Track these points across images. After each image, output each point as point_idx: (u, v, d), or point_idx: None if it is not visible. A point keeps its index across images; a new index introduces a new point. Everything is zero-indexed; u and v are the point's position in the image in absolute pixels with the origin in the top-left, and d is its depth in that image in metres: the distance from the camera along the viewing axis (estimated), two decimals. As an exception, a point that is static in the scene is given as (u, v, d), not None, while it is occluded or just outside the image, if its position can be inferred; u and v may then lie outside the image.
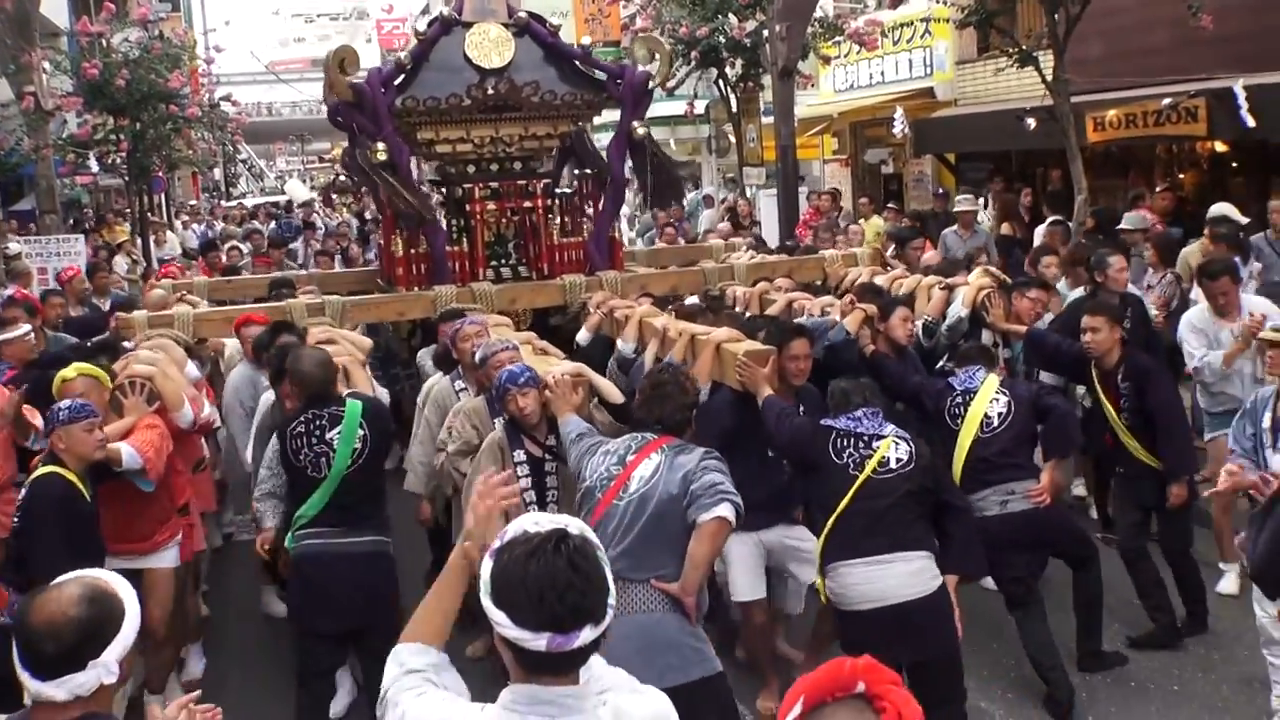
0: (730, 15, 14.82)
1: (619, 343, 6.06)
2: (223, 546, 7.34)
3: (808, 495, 4.36)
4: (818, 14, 13.99)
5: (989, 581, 5.30)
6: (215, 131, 21.42)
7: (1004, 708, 5.09)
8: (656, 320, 6.03)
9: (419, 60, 7.67)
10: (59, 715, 2.26)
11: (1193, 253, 8.20)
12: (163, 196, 26.53)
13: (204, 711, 2.54)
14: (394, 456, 6.26)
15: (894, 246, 9.52)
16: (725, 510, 3.70)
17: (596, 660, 2.14)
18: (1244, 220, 8.61)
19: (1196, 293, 6.78)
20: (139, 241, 17.58)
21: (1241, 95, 9.35)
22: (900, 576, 4.16)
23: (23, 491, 4.48)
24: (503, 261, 7.98)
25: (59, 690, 2.24)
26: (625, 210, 17.76)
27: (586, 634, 1.96)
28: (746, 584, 4.96)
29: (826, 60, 16.58)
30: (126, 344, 6.36)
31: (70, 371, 4.92)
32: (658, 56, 8.09)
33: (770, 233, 12.79)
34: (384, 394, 5.53)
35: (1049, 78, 9.93)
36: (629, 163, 8.31)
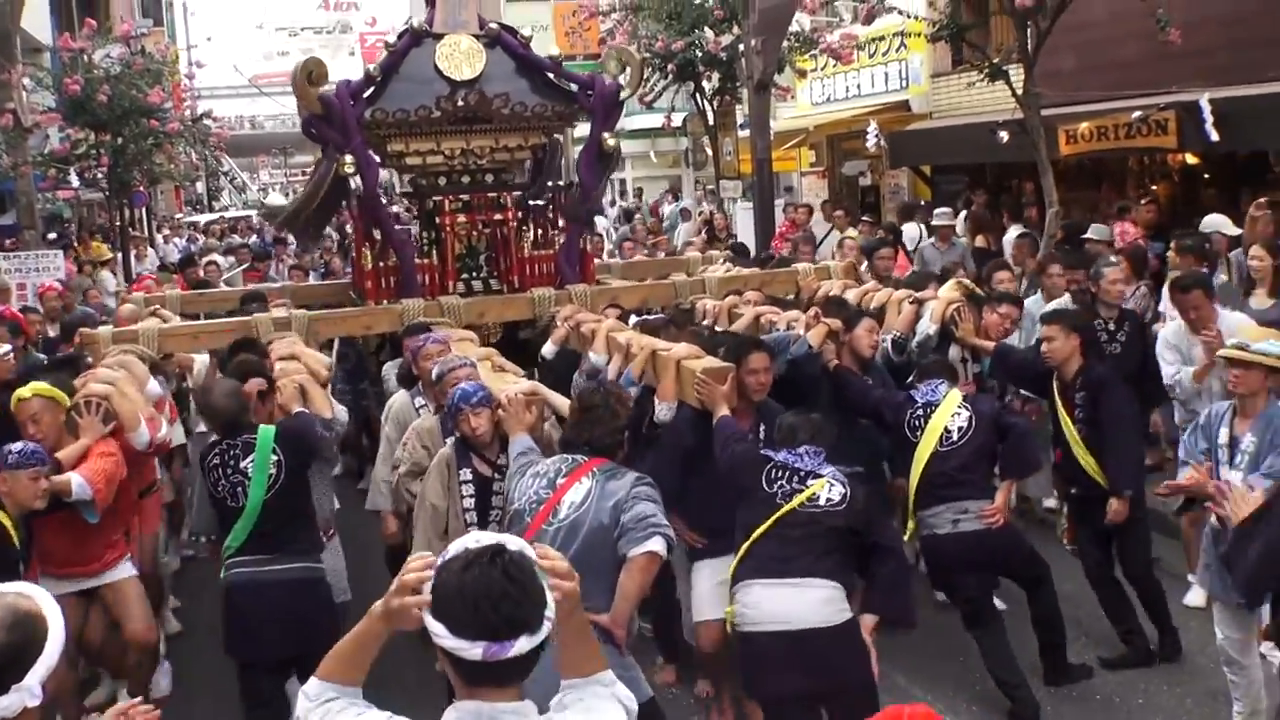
0: (706, 29, 14.89)
1: (590, 354, 5.97)
2: (180, 570, 7.15)
3: (738, 520, 4.33)
4: (793, 28, 14.03)
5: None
6: (197, 146, 21.42)
7: (968, 723, 5.07)
8: (621, 335, 5.98)
9: (389, 72, 7.61)
10: (-18, 740, 2.26)
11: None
12: (144, 210, 26.49)
13: (144, 714, 2.53)
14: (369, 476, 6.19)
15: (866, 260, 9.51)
16: (656, 545, 3.73)
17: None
18: (1236, 232, 8.45)
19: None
20: (119, 256, 17.53)
21: (1207, 109, 9.39)
22: (808, 603, 4.06)
23: None
24: (474, 274, 7.94)
25: (-21, 714, 2.23)
26: (603, 222, 17.83)
27: (522, 644, 1.98)
28: (709, 605, 4.84)
29: (803, 74, 16.64)
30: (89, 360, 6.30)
31: (26, 391, 4.90)
32: (629, 68, 8.07)
33: (746, 245, 12.79)
34: (342, 411, 5.46)
35: (1019, 91, 9.99)
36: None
